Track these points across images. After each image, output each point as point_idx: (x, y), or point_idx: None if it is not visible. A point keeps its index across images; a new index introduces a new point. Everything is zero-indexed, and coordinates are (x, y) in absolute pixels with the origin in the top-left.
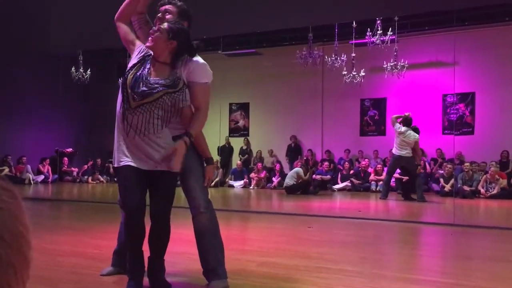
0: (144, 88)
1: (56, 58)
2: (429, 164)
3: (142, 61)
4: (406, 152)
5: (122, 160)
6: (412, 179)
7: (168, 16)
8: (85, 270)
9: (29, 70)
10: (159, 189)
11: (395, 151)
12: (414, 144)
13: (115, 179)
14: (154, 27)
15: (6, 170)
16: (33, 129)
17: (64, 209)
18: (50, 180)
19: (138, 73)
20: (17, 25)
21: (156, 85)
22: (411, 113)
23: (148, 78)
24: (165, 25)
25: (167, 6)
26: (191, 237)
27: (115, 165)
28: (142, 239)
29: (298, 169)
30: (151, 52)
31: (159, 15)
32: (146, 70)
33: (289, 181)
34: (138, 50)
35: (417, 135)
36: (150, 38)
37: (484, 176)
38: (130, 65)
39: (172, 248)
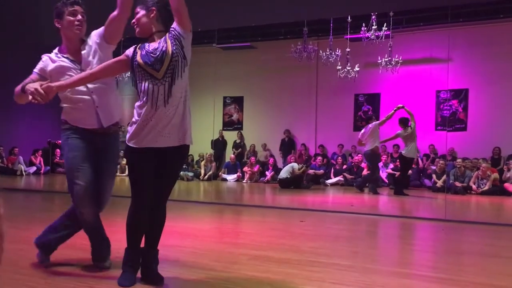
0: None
1: (49, 48)
2: (422, 160)
3: (139, 47)
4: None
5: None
6: (405, 175)
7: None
8: (76, 261)
9: (21, 61)
10: (170, 169)
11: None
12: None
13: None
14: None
15: None
16: (26, 120)
17: (56, 201)
18: (42, 171)
19: (143, 53)
20: (9, 15)
21: (159, 52)
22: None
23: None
24: (138, 6)
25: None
26: (183, 230)
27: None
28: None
29: (294, 164)
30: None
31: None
32: (145, 48)
33: (283, 174)
34: (130, 51)
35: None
36: (135, 27)
37: (476, 172)
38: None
39: (164, 241)
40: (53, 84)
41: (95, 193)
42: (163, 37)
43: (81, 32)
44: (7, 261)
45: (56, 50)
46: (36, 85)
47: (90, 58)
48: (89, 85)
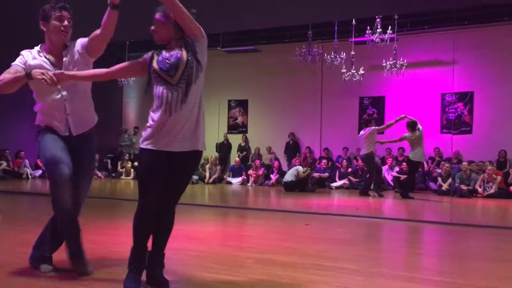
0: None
1: None
2: (427, 163)
3: (157, 53)
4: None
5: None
6: (411, 178)
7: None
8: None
9: None
10: (182, 173)
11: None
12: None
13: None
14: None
15: (4, 164)
16: (32, 123)
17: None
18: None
19: (159, 59)
20: (15, 17)
21: (174, 58)
22: (409, 112)
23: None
24: (157, 13)
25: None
26: (188, 233)
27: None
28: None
29: (299, 167)
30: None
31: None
32: (162, 54)
33: (288, 177)
34: (148, 55)
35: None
36: (154, 34)
37: (482, 175)
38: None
39: (169, 244)
40: (66, 73)
41: (74, 184)
42: (180, 44)
43: (66, 38)
44: (11, 264)
45: (38, 48)
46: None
47: (71, 66)
48: (63, 92)
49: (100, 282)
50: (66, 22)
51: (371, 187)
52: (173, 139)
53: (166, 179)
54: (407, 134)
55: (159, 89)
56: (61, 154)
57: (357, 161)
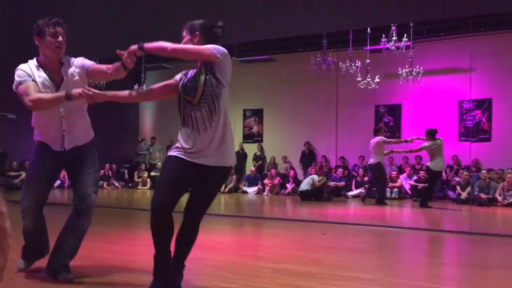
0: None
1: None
2: (445, 172)
3: (184, 74)
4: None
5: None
6: (431, 187)
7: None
8: (96, 275)
9: None
10: (208, 187)
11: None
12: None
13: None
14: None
15: (24, 175)
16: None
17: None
18: (66, 185)
19: (184, 80)
20: (23, 28)
21: (192, 80)
22: (426, 119)
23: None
24: (184, 31)
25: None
26: (204, 243)
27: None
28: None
29: (314, 175)
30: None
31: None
32: (187, 75)
33: (304, 186)
34: (179, 76)
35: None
36: None
37: (501, 183)
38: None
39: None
40: (107, 93)
41: (39, 209)
42: (200, 63)
43: (61, 54)
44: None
45: (35, 62)
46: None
47: (69, 84)
48: (61, 109)
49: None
50: (60, 38)
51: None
52: (201, 155)
53: (192, 192)
54: (426, 143)
55: (184, 109)
56: (34, 185)
57: None
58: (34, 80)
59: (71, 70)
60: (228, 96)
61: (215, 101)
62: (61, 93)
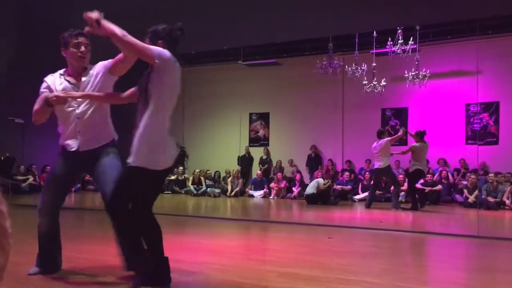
0: None
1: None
2: (452, 175)
3: None
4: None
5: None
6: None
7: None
8: (102, 278)
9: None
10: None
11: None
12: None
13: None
14: None
15: (31, 179)
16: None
17: (86, 218)
18: (73, 189)
19: None
20: (48, 29)
21: None
22: (433, 123)
23: None
24: (146, 38)
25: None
26: (210, 246)
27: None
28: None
29: (319, 179)
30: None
31: None
32: None
33: (310, 190)
34: None
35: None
36: None
37: (509, 187)
38: None
39: (192, 257)
40: (87, 93)
41: (54, 209)
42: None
43: (84, 63)
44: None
45: (62, 71)
46: (56, 93)
47: (88, 87)
48: (77, 110)
49: None
50: (83, 48)
51: (372, 198)
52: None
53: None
54: (416, 144)
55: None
56: (49, 191)
57: None
58: (53, 90)
59: (92, 73)
60: (169, 98)
61: (147, 97)
62: (43, 101)
